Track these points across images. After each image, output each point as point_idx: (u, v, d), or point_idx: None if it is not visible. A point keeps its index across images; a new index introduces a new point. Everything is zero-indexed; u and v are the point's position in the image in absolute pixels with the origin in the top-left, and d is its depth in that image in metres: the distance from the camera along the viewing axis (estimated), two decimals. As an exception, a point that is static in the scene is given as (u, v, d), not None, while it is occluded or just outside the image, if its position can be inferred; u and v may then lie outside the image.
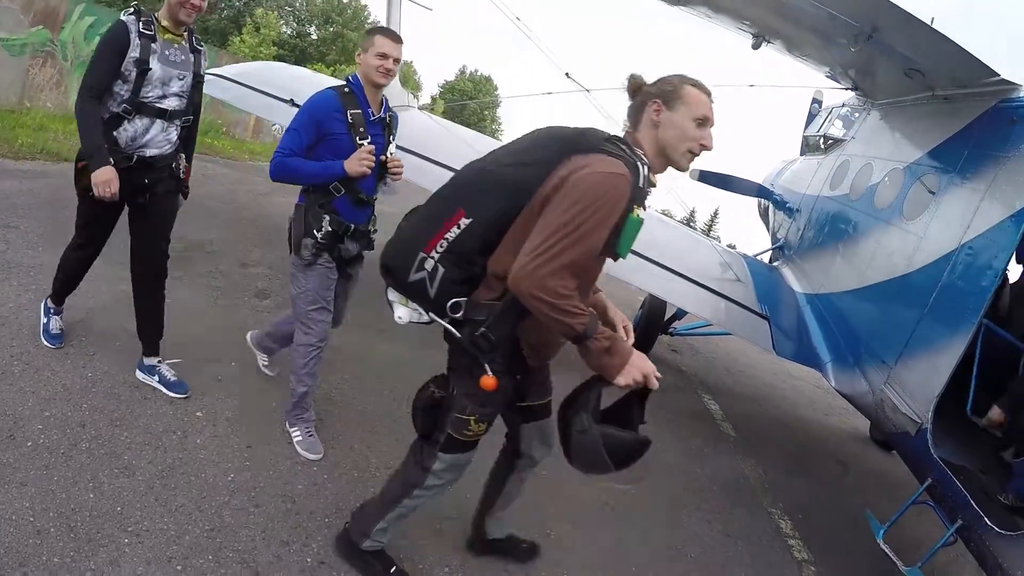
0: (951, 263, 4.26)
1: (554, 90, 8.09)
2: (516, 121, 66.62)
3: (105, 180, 3.24)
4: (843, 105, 7.95)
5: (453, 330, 2.34)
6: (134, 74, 3.29)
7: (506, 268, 2.15)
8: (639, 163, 2.21)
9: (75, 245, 3.79)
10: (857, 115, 7.33)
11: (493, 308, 2.27)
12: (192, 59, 3.55)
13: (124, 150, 3.41)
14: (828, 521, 5.56)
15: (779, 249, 8.58)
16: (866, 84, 6.82)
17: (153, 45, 3.32)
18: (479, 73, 66.91)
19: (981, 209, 4.22)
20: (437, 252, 2.26)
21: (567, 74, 7.77)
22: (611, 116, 6.01)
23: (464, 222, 2.23)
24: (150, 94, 3.38)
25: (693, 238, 8.36)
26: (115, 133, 3.38)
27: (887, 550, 3.93)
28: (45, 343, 3.96)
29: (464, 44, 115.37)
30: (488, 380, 2.30)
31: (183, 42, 3.50)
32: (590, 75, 7.48)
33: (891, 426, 4.46)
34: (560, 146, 2.21)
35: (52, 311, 4.01)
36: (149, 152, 3.48)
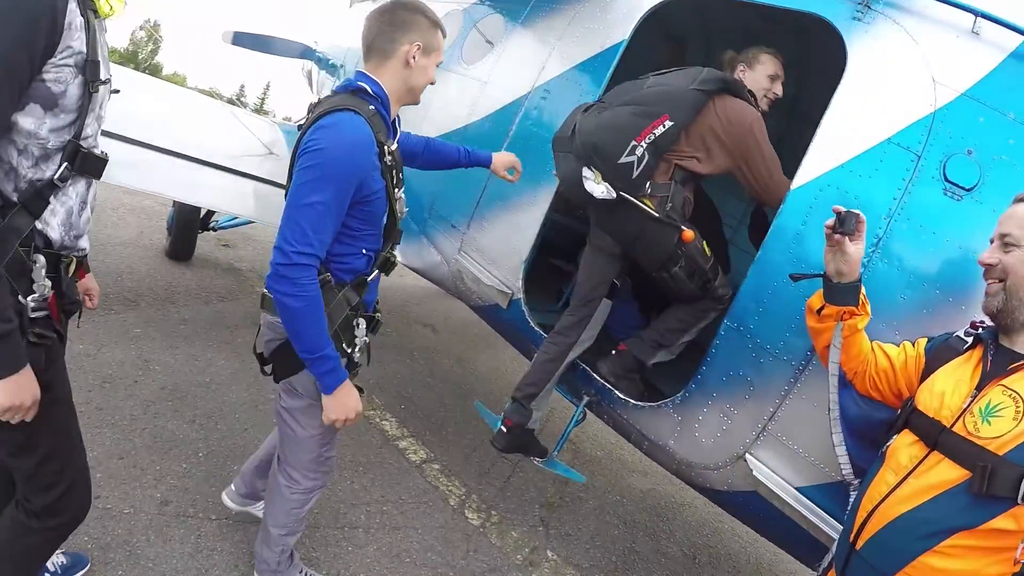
0: (523, 109, 3.58)
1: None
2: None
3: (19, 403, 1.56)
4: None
5: (643, 205, 2.78)
6: (76, 93, 1.57)
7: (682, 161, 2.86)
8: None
9: None
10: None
11: (669, 186, 2.85)
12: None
13: (61, 251, 1.68)
14: (436, 404, 4.91)
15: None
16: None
17: (96, 27, 1.61)
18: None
19: (559, 48, 3.55)
20: (646, 143, 2.71)
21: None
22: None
23: (668, 124, 2.73)
24: (90, 131, 1.66)
25: (207, 110, 6.22)
26: (41, 225, 1.61)
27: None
28: None
29: None
30: (688, 232, 2.84)
31: None
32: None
33: (477, 299, 3.77)
34: (720, 85, 2.82)
35: None
36: (86, 244, 1.80)
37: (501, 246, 3.53)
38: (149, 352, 4.16)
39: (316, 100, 2.07)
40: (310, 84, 8.79)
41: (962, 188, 2.21)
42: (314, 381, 2.12)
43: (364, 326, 2.22)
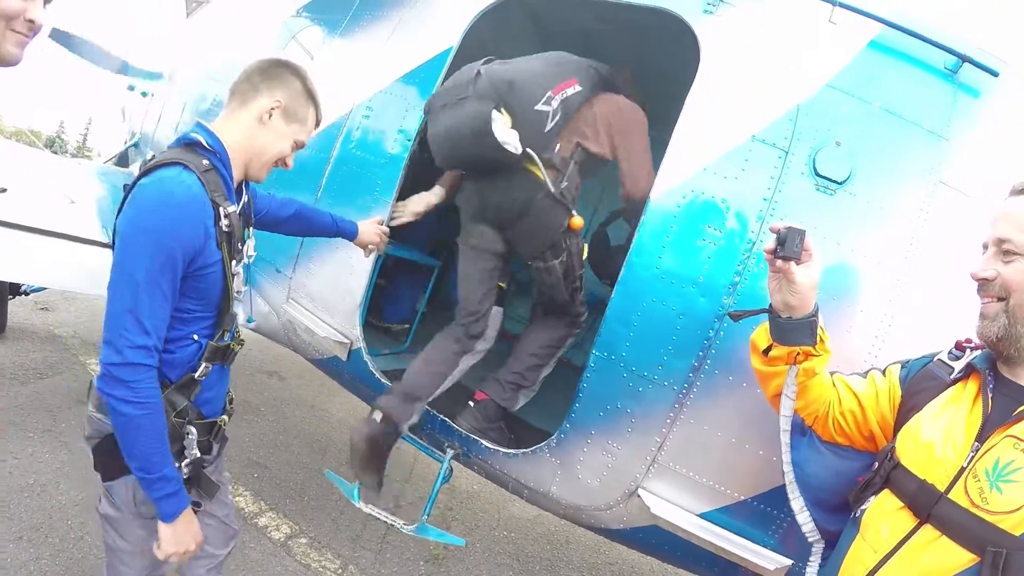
0: (345, 130, 3.02)
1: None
2: None
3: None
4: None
5: (539, 175, 2.42)
6: None
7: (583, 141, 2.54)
8: None
9: None
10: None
11: (568, 163, 2.51)
12: None
13: None
14: (293, 466, 4.23)
15: (136, 147, 6.19)
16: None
17: None
18: None
19: (382, 60, 3.06)
20: (560, 97, 2.40)
21: None
22: None
23: (576, 88, 2.48)
24: None
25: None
26: None
27: (377, 513, 2.71)
28: None
29: None
30: (577, 220, 2.51)
31: None
32: None
33: (314, 352, 3.17)
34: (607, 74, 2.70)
35: None
36: None
37: (333, 290, 2.96)
38: (-43, 456, 3.25)
39: (150, 156, 1.70)
40: (123, 116, 7.56)
41: (834, 182, 1.97)
42: (135, 494, 1.70)
43: (195, 435, 1.73)
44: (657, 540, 2.35)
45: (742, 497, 2.11)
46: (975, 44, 2.07)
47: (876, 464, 1.46)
